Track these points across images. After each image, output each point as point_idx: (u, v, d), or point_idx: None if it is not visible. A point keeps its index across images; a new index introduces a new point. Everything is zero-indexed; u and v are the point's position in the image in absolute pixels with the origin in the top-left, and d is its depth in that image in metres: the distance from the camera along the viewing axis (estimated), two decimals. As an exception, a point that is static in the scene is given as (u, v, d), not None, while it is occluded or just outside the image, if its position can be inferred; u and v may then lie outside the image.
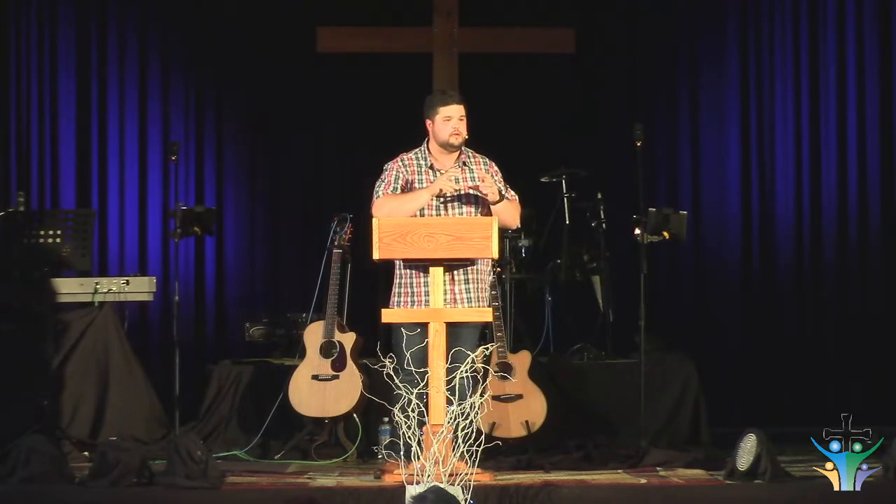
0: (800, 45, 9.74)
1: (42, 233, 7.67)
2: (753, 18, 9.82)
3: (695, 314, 9.76)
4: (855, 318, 9.55)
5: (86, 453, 7.58)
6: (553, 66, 9.73)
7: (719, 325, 9.72)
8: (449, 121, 6.79)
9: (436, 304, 6.32)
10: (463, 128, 6.81)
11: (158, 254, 9.73)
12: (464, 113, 6.82)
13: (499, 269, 8.15)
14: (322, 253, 8.05)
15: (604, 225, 8.77)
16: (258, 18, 9.78)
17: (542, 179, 9.02)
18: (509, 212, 6.82)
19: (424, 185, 6.79)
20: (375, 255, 6.34)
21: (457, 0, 9.51)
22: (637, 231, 7.66)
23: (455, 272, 6.68)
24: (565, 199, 8.97)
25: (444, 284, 6.51)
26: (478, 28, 9.57)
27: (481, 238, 6.25)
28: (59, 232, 7.67)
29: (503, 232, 8.50)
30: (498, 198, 6.73)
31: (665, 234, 7.89)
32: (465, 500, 5.58)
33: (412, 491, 5.58)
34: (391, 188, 6.79)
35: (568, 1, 9.82)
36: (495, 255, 6.42)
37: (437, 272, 6.35)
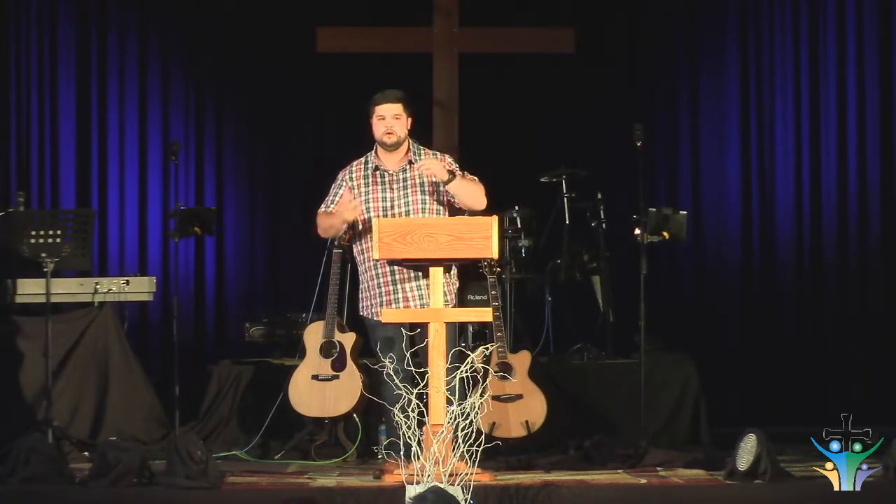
0: (800, 45, 9.74)
1: (42, 233, 7.66)
2: (753, 18, 9.82)
3: (695, 314, 9.76)
4: (855, 318, 9.55)
5: (86, 453, 7.58)
6: (553, 66, 9.72)
7: (719, 325, 9.72)
8: (382, 120, 6.85)
9: (435, 304, 6.33)
10: (398, 126, 6.84)
11: (158, 254, 9.73)
12: (400, 112, 6.84)
13: (499, 269, 8.15)
14: (322, 253, 8.05)
15: (604, 225, 8.78)
16: (258, 18, 9.78)
17: (542, 179, 9.02)
18: (467, 190, 6.77)
19: (370, 187, 6.88)
20: (375, 255, 6.36)
21: (457, 0, 9.51)
22: (637, 231, 7.66)
23: (423, 275, 6.68)
24: (565, 199, 8.96)
25: (406, 283, 6.68)
26: (478, 28, 9.57)
27: (481, 238, 6.25)
28: (59, 232, 7.67)
29: (503, 232, 8.53)
30: (447, 176, 6.70)
31: (665, 234, 7.88)
32: (465, 500, 5.58)
33: (412, 491, 5.58)
34: (323, 207, 6.96)
35: (568, 1, 9.81)
36: (495, 255, 6.43)
37: (436, 272, 6.35)
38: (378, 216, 6.80)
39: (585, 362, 8.56)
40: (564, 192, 8.98)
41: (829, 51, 9.69)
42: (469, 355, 5.85)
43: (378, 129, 6.87)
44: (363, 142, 9.63)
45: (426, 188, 6.85)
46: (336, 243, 7.91)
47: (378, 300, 6.85)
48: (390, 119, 6.84)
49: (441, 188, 6.80)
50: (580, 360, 8.59)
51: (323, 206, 7.00)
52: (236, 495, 6.29)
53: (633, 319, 7.73)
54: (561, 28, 9.59)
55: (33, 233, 7.61)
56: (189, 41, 9.84)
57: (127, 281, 8.28)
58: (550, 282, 9.01)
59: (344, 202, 6.88)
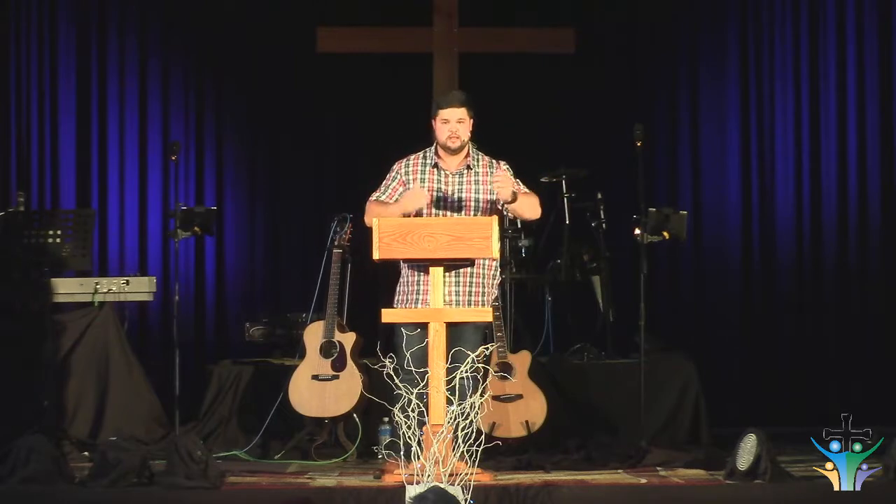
0: (800, 45, 9.74)
1: (42, 233, 7.67)
2: (753, 18, 9.82)
3: (695, 314, 9.76)
4: (855, 318, 9.55)
5: (86, 453, 7.58)
6: (553, 66, 9.72)
7: (719, 326, 9.72)
8: (446, 123, 6.78)
9: (435, 304, 6.32)
10: (462, 130, 6.78)
11: (158, 254, 9.73)
12: (463, 116, 6.78)
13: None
14: (322, 253, 8.05)
15: (604, 225, 8.78)
16: (258, 18, 9.78)
17: (542, 179, 9.01)
18: (526, 205, 6.79)
19: (427, 184, 6.82)
20: (375, 255, 6.34)
21: (457, 0, 9.51)
22: (637, 231, 7.66)
23: (456, 273, 6.69)
24: (565, 199, 8.96)
25: (445, 285, 6.57)
26: (478, 28, 9.57)
27: (481, 238, 6.25)
28: (59, 232, 7.68)
29: (503, 232, 8.52)
30: (510, 198, 6.69)
31: (665, 234, 7.89)
32: (465, 500, 5.59)
33: (412, 491, 5.58)
34: (376, 195, 6.87)
35: (568, 1, 9.81)
36: (496, 256, 6.42)
37: (437, 272, 6.35)
38: (430, 213, 6.77)
39: (585, 362, 8.55)
40: (564, 192, 8.98)
41: (829, 50, 9.69)
42: (469, 355, 5.85)
43: (442, 132, 6.79)
44: (363, 141, 9.71)
45: (480, 193, 6.82)
46: (336, 243, 7.92)
47: (417, 296, 6.80)
48: (454, 123, 6.76)
49: (499, 202, 6.81)
50: (580, 360, 8.59)
51: (375, 194, 6.90)
52: (236, 495, 6.28)
53: (633, 319, 7.73)
54: (561, 28, 9.59)
55: (33, 233, 7.61)
56: (189, 41, 9.84)
57: (127, 281, 8.28)
58: (550, 282, 9.01)
59: (411, 193, 6.74)
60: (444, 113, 6.77)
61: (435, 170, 6.84)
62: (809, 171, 9.71)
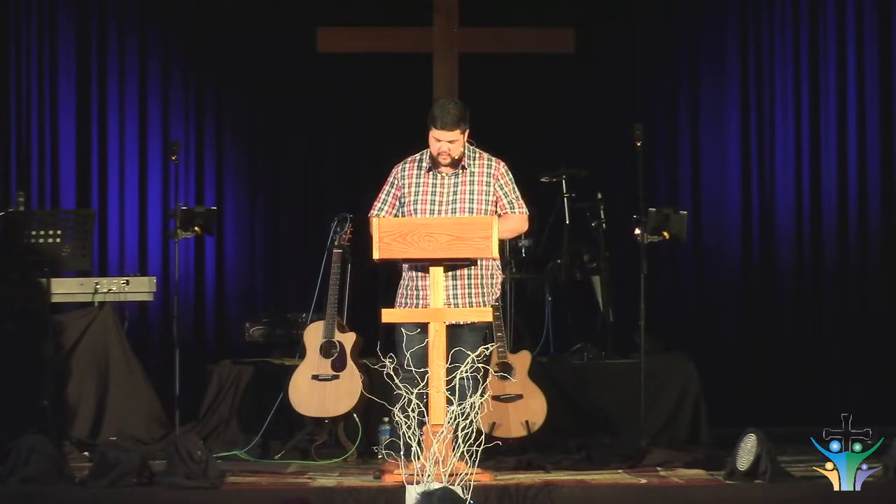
0: (800, 45, 9.74)
1: (42, 233, 7.66)
2: (753, 18, 9.82)
3: (695, 314, 9.76)
4: (855, 318, 9.55)
5: (86, 453, 7.58)
6: (553, 66, 9.72)
7: (719, 325, 9.72)
8: (437, 142, 6.77)
9: (435, 304, 6.32)
10: (454, 149, 6.75)
11: (158, 254, 9.73)
12: (456, 136, 6.74)
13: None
14: (322, 253, 8.05)
15: (604, 225, 8.78)
16: (258, 18, 9.78)
17: (542, 179, 9.02)
18: (508, 234, 6.95)
19: (421, 188, 6.81)
20: (375, 255, 6.34)
21: (457, 0, 9.50)
22: (637, 231, 7.66)
23: (456, 272, 6.69)
24: (565, 199, 8.96)
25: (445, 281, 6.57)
26: (478, 28, 9.56)
27: (481, 238, 6.25)
28: (59, 232, 7.67)
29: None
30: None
31: (665, 234, 7.89)
32: (466, 500, 5.59)
33: (412, 491, 5.58)
34: (377, 209, 6.88)
35: (568, 1, 9.81)
36: (495, 255, 6.43)
37: (437, 272, 6.35)
38: (425, 216, 6.78)
39: (585, 362, 8.55)
40: (564, 192, 8.98)
41: (829, 50, 9.69)
42: (469, 355, 5.86)
43: (433, 147, 6.78)
44: (363, 141, 9.70)
45: (475, 194, 6.82)
46: (336, 243, 7.92)
47: (417, 294, 6.80)
48: (445, 143, 6.76)
49: (491, 196, 6.83)
50: (580, 360, 8.59)
51: (377, 204, 6.91)
52: (236, 495, 6.29)
53: (633, 319, 7.73)
54: (561, 28, 9.58)
55: (33, 233, 7.62)
56: (189, 41, 9.84)
57: (127, 281, 8.29)
58: (550, 282, 9.01)
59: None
60: (437, 134, 6.76)
61: (430, 174, 6.84)
62: (809, 170, 9.71)
